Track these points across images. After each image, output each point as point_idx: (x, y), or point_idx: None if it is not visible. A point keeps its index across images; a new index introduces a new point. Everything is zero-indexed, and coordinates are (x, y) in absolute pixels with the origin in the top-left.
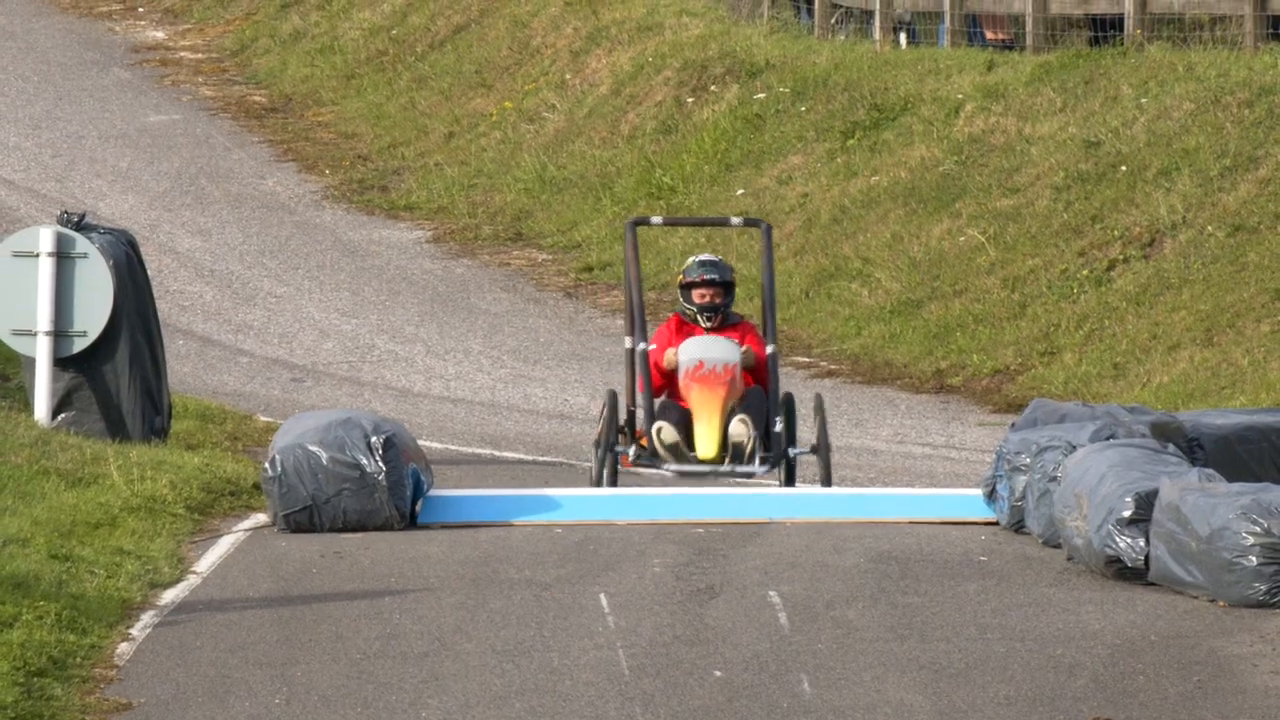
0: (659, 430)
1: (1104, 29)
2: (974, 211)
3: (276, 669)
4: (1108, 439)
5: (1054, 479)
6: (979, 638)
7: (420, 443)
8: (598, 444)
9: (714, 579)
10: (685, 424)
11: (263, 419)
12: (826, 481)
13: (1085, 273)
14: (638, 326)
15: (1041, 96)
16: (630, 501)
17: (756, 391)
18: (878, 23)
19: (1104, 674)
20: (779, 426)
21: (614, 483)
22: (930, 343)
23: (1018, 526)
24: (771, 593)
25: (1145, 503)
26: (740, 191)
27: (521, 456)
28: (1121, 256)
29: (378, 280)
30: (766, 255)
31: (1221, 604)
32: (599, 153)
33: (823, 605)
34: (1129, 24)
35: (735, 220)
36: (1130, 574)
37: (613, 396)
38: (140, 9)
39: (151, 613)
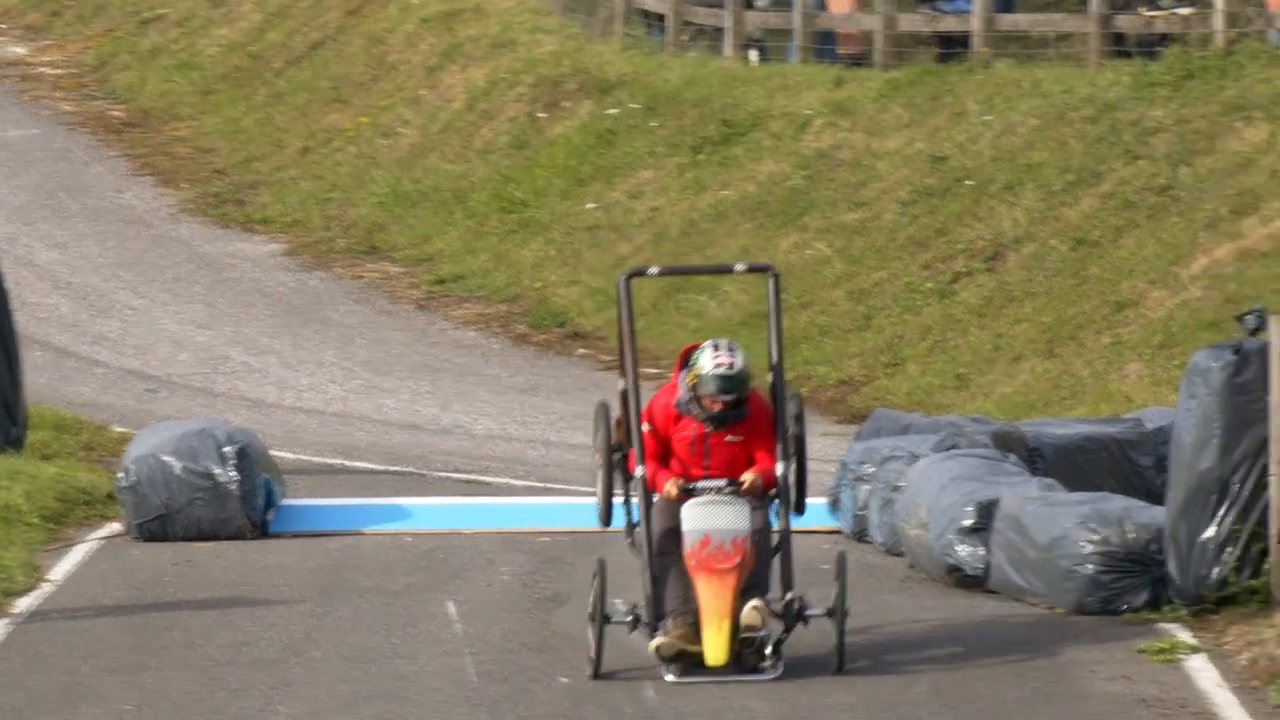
0: (658, 647)
1: (951, 46)
2: (821, 225)
3: (128, 676)
4: (950, 449)
5: (897, 488)
6: (821, 644)
7: (273, 453)
8: (591, 615)
9: (561, 587)
10: (689, 597)
11: (118, 429)
12: (840, 655)
13: (930, 285)
14: (631, 381)
15: (889, 112)
16: (478, 510)
17: (765, 552)
18: (728, 39)
19: (943, 681)
20: (793, 593)
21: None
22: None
23: (861, 535)
24: (617, 600)
25: (986, 512)
26: (591, 205)
27: (373, 466)
28: (965, 269)
29: (233, 292)
30: (774, 306)
31: (1060, 611)
32: (453, 167)
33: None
34: (976, 41)
35: (739, 267)
36: (970, 582)
37: (603, 574)
38: (1, 25)
39: (4, 620)
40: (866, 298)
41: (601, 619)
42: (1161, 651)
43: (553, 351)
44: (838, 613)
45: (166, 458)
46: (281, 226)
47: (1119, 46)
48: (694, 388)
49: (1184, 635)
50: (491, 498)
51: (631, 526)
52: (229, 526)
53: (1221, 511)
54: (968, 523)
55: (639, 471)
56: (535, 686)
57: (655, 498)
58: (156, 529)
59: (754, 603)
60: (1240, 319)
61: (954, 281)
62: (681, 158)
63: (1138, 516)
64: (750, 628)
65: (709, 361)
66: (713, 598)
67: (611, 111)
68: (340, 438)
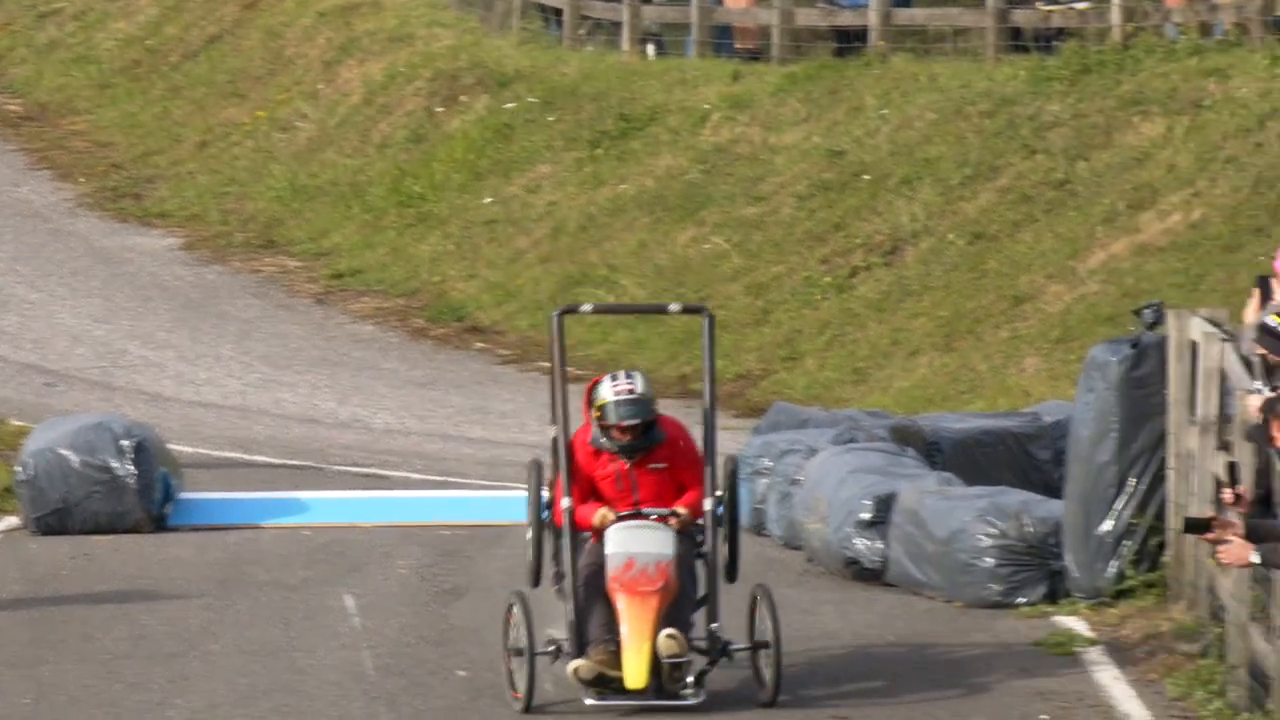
0: (576, 669)
1: (849, 40)
2: (719, 219)
3: (25, 669)
4: (848, 443)
5: (795, 482)
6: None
7: (171, 447)
8: (517, 649)
9: (459, 580)
10: (612, 626)
11: (15, 423)
12: (774, 690)
13: (828, 279)
14: (561, 421)
15: (787, 107)
16: (376, 504)
17: (688, 584)
18: (626, 34)
19: (842, 674)
20: (718, 626)
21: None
22: (674, 348)
23: (759, 529)
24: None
25: (884, 505)
26: (489, 200)
27: (271, 460)
28: (863, 263)
29: (130, 287)
30: (708, 348)
31: (958, 604)
32: (350, 161)
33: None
34: (873, 35)
35: (674, 307)
36: (868, 575)
37: (524, 606)
38: None
39: None
40: (764, 292)
41: (531, 653)
42: (1059, 644)
43: (451, 345)
44: (774, 644)
45: (64, 451)
46: (179, 220)
47: (1016, 41)
48: (600, 420)
49: (1082, 628)
50: (390, 491)
51: (559, 576)
52: (127, 520)
53: (1119, 505)
54: (866, 516)
55: (564, 503)
56: (433, 680)
57: (585, 536)
58: (54, 523)
59: (668, 631)
60: (1137, 313)
61: (852, 276)
62: (579, 152)
63: (1035, 510)
64: (670, 655)
65: (609, 391)
66: (634, 619)
67: (509, 106)
68: (238, 431)
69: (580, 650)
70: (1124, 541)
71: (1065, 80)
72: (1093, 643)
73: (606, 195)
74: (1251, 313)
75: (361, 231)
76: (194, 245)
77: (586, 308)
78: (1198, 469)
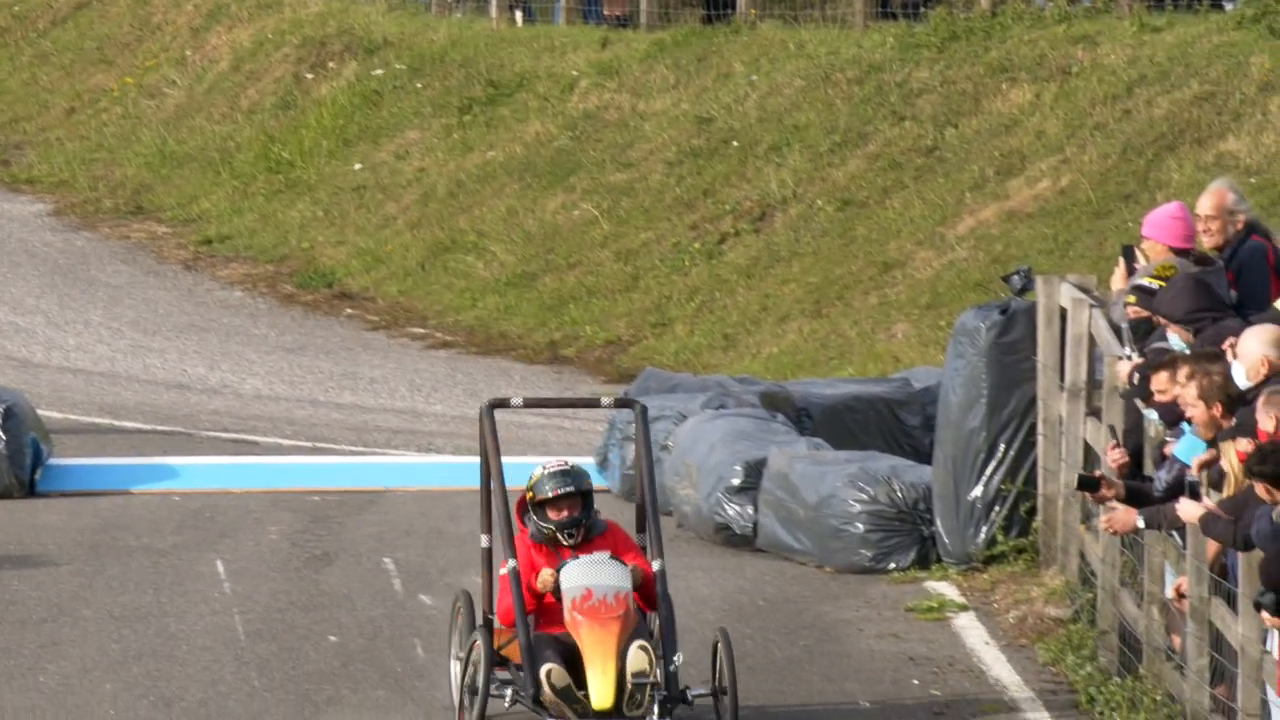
0: (548, 673)
1: (717, 7)
2: (588, 186)
3: None
4: (718, 408)
5: (665, 447)
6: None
7: (40, 412)
8: (472, 689)
9: (330, 546)
10: (570, 661)
11: None
12: None
13: (697, 246)
14: (499, 526)
15: (655, 73)
16: (246, 470)
17: (643, 627)
18: (494, 0)
19: (711, 639)
20: (677, 661)
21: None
22: (544, 314)
23: (630, 494)
24: (386, 559)
25: (754, 471)
26: (358, 166)
27: (140, 426)
28: (733, 230)
29: None
30: (643, 441)
31: (828, 570)
32: (219, 128)
33: (437, 571)
34: (741, 3)
35: (605, 401)
36: (739, 541)
37: (469, 606)
38: None
39: None
40: (634, 258)
41: (485, 693)
42: (930, 610)
43: (320, 311)
44: (730, 693)
45: None
46: (48, 187)
47: (884, 8)
48: (534, 503)
49: (952, 593)
50: (260, 457)
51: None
52: None
53: (989, 471)
54: (736, 482)
55: (510, 565)
56: (304, 645)
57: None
58: None
59: (639, 642)
60: (1006, 279)
61: (721, 242)
62: (448, 118)
63: (906, 475)
64: (639, 673)
65: (541, 470)
66: (597, 643)
67: (377, 72)
68: (108, 397)
69: (535, 689)
70: (994, 507)
71: (934, 47)
72: (964, 608)
73: (475, 162)
74: (1118, 281)
75: (230, 198)
76: (63, 211)
77: (517, 401)
78: (1067, 434)
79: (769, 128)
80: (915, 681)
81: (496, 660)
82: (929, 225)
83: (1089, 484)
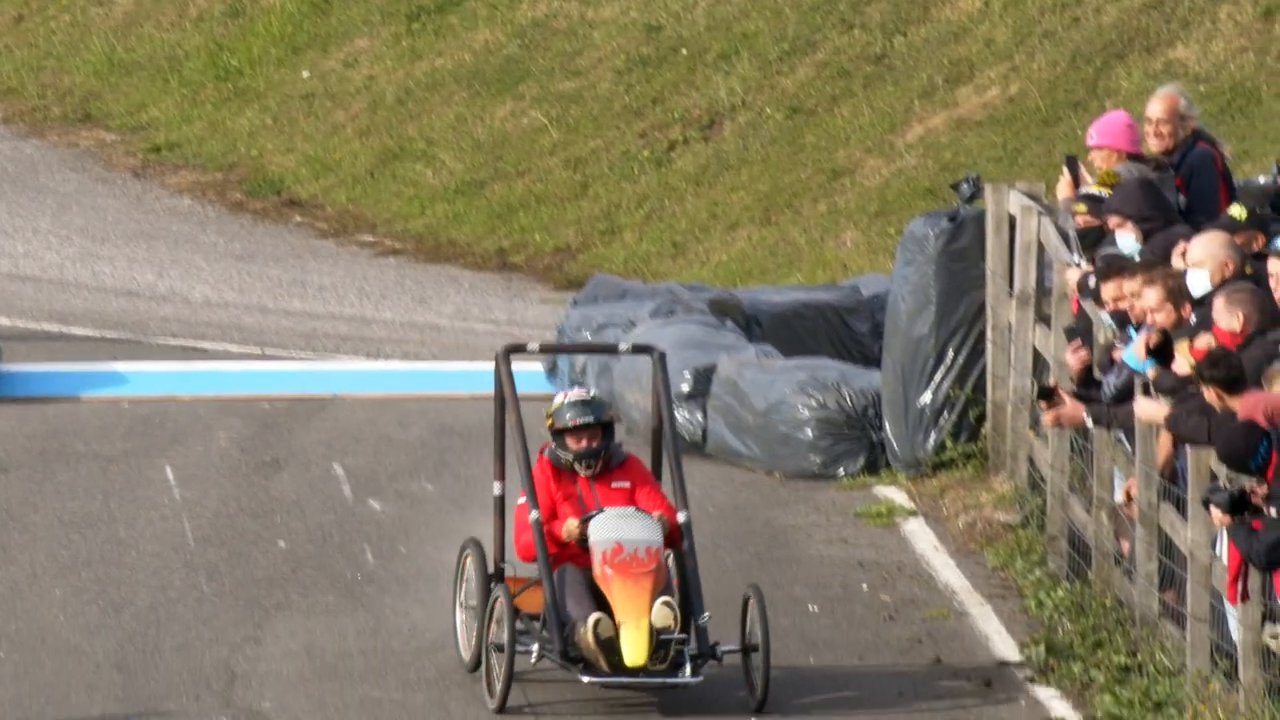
0: (596, 622)
1: None
2: (537, 94)
3: None
4: (667, 315)
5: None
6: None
7: None
8: (497, 645)
9: (279, 452)
10: (599, 607)
11: None
12: (764, 691)
13: (646, 154)
14: (524, 480)
15: None
16: (196, 376)
17: (669, 576)
18: None
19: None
20: (706, 618)
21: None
22: (493, 222)
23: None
24: (336, 465)
25: (703, 377)
26: (307, 74)
27: (90, 333)
28: (681, 138)
29: None
30: (662, 390)
31: (777, 476)
32: (167, 35)
33: (386, 477)
34: None
35: (623, 347)
36: (688, 447)
37: (480, 555)
38: None
39: None
40: (583, 166)
41: (512, 651)
42: (879, 515)
43: (269, 219)
44: (762, 650)
45: None
46: None
47: None
48: (553, 430)
49: (901, 499)
50: (209, 363)
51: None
52: None
53: (938, 377)
54: (685, 388)
55: (532, 515)
56: (253, 551)
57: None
58: None
59: (664, 599)
60: (955, 187)
61: (670, 150)
62: (397, 26)
63: (855, 382)
64: (664, 629)
65: (562, 398)
66: (629, 598)
67: None
68: (57, 304)
69: (564, 642)
70: (943, 413)
71: None
72: (912, 513)
73: (424, 69)
74: (1064, 190)
75: (179, 106)
76: (11, 119)
77: (533, 346)
78: (1016, 341)
79: (718, 35)
80: (864, 586)
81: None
82: (878, 133)
83: (1046, 393)
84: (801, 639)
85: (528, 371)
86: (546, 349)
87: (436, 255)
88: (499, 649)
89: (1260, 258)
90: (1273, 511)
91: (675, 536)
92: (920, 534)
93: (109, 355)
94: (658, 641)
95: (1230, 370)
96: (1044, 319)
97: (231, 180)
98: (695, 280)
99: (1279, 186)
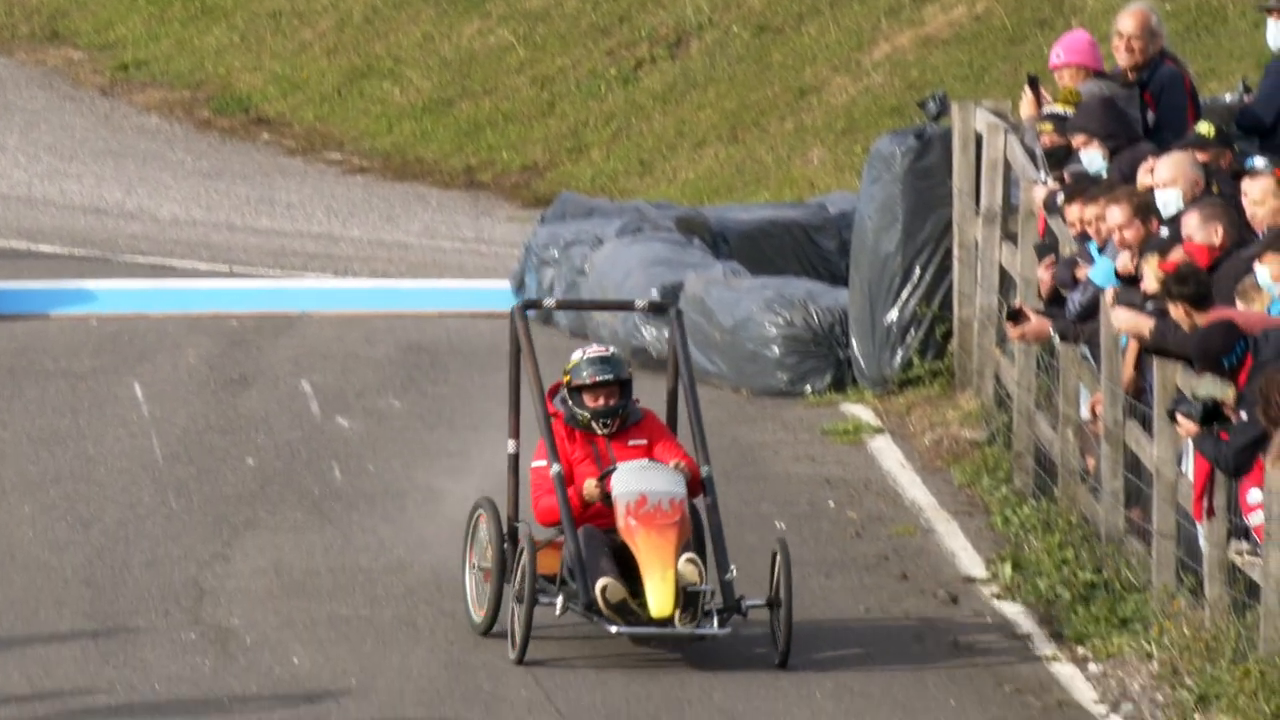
0: (604, 588)
1: None
2: (504, 12)
3: None
4: (634, 233)
5: (581, 272)
6: (507, 426)
7: None
8: (519, 596)
9: (247, 369)
10: (620, 562)
11: None
12: (786, 647)
13: (613, 72)
14: (545, 432)
15: None
16: (164, 294)
17: (696, 526)
18: None
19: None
20: (731, 573)
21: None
22: (460, 140)
23: (546, 318)
24: (304, 382)
25: (671, 295)
26: None
27: (58, 250)
28: (649, 56)
29: None
30: (681, 347)
31: (744, 393)
32: None
33: (354, 394)
34: None
35: (639, 304)
36: (655, 364)
37: (494, 512)
38: None
39: None
40: (550, 84)
41: (531, 599)
42: (846, 432)
43: (236, 137)
44: (785, 605)
45: None
46: None
47: None
48: (570, 387)
49: (868, 416)
50: (177, 281)
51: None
52: None
53: (905, 295)
54: None
55: (554, 469)
56: (222, 467)
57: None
58: None
59: (688, 555)
60: (922, 105)
61: (637, 68)
62: None
63: (821, 299)
64: (688, 578)
65: (580, 354)
66: (653, 550)
67: None
68: (25, 221)
69: (588, 593)
70: (910, 331)
71: None
72: (879, 431)
73: None
74: (1026, 109)
75: (147, 24)
76: None
77: (549, 302)
78: (983, 259)
79: None
80: (831, 503)
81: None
82: (845, 51)
83: (1013, 315)
84: (768, 556)
85: (494, 290)
86: (563, 305)
87: (404, 173)
88: (519, 600)
89: (1236, 176)
90: (1243, 415)
91: (696, 487)
92: (887, 451)
93: (77, 273)
94: (685, 596)
95: (1199, 286)
96: (1010, 236)
97: (199, 98)
98: (662, 198)
99: (1245, 105)
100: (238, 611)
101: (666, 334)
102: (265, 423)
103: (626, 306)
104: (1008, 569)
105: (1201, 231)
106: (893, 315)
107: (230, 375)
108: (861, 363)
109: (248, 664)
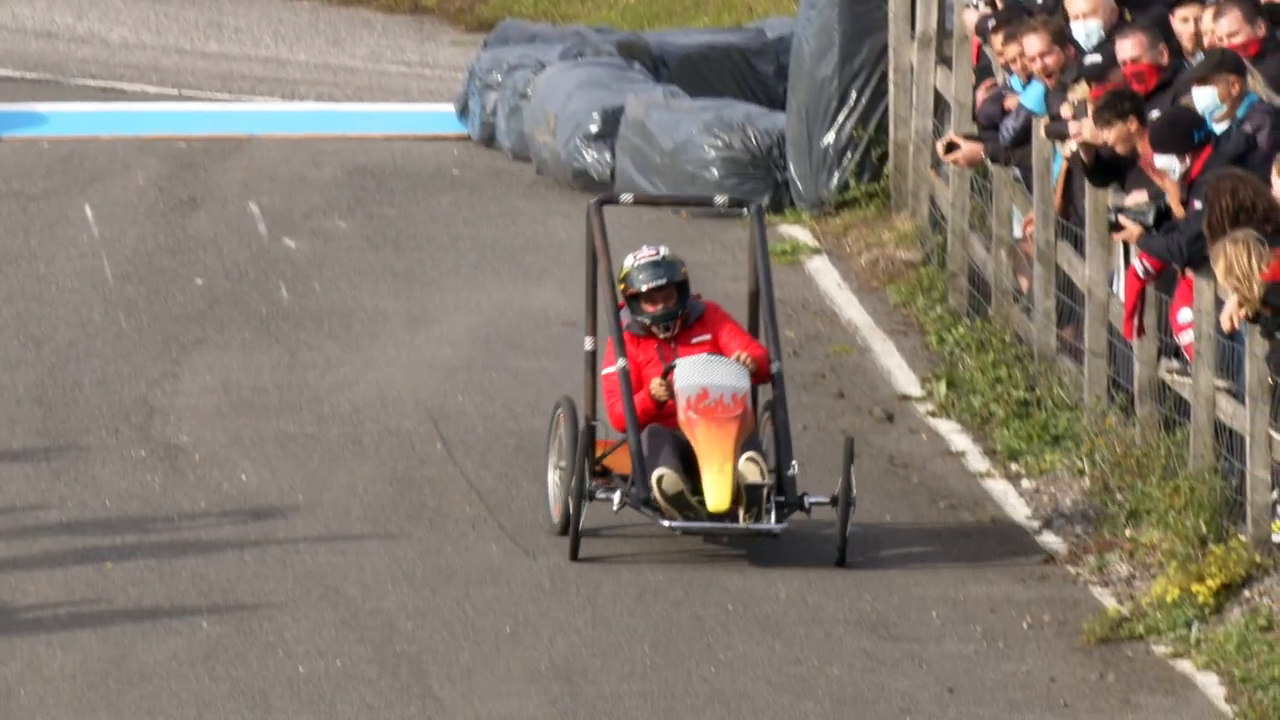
0: (660, 478)
1: None
2: None
3: None
4: (576, 57)
5: (524, 96)
6: (451, 247)
7: None
8: (574, 486)
9: (196, 191)
10: (684, 458)
11: None
12: (842, 545)
13: None
14: (614, 329)
15: None
16: (114, 117)
17: (756, 427)
18: None
19: (568, 278)
20: (794, 469)
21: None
22: None
23: (489, 141)
24: (251, 204)
25: (611, 118)
26: None
27: (8, 73)
28: None
29: None
30: (760, 243)
31: (684, 214)
32: None
33: (301, 216)
34: None
35: (719, 200)
36: (597, 186)
37: (572, 412)
38: None
39: None
40: None
41: (580, 494)
42: (784, 253)
43: None
44: (843, 501)
45: None
46: None
47: None
48: (627, 295)
49: (806, 237)
50: (127, 104)
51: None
52: None
53: (841, 118)
54: (594, 129)
55: (620, 363)
56: (171, 287)
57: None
58: None
59: (749, 454)
60: None
61: None
62: None
63: (760, 122)
64: (750, 477)
65: (632, 260)
66: (713, 442)
67: None
68: None
69: (647, 489)
70: (846, 153)
71: None
72: (817, 251)
73: None
74: None
75: None
76: None
77: (627, 198)
78: (918, 83)
79: None
80: None
81: (602, 471)
82: None
83: (950, 147)
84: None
85: (439, 113)
86: (640, 201)
87: None
88: (582, 495)
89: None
90: (1196, 205)
91: (763, 374)
92: (824, 271)
93: (28, 96)
94: (747, 493)
95: (1136, 99)
96: (945, 60)
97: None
98: (603, 23)
99: None
100: (186, 429)
101: (607, 157)
102: (214, 243)
103: (706, 202)
104: (942, 387)
105: (1151, 52)
106: (829, 138)
107: (179, 197)
108: (799, 185)
109: (196, 480)
